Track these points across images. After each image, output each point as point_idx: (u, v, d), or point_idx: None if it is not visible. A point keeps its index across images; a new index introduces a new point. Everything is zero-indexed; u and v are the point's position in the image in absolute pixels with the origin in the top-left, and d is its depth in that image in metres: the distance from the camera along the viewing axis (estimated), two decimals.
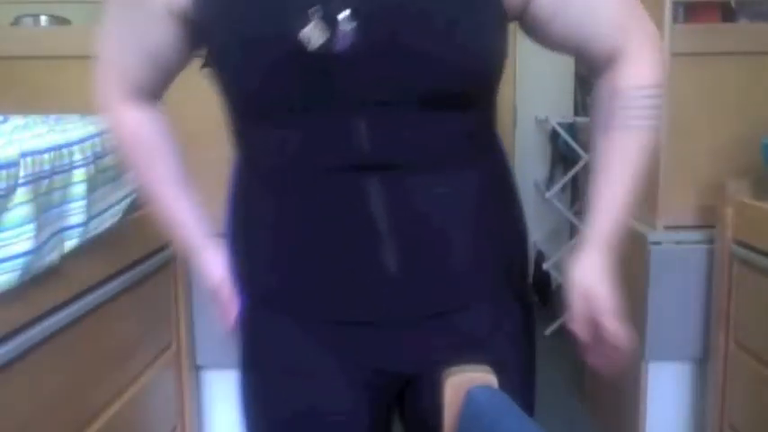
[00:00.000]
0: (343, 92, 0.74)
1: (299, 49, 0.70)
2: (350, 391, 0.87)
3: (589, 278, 0.84)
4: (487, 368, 0.68)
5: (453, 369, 0.68)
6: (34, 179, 0.96)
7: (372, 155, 0.76)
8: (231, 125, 0.90)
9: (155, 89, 0.94)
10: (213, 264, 0.96)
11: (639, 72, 0.83)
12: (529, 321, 0.94)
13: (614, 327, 0.81)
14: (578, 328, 0.84)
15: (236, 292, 0.93)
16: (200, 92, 1.78)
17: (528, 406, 0.91)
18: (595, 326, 0.83)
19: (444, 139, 0.80)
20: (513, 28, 0.81)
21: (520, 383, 0.89)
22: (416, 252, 0.81)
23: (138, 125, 0.94)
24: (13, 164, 0.91)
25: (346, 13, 0.69)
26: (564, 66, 3.83)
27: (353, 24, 0.70)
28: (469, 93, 0.78)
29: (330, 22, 0.69)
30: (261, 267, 0.89)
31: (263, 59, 0.75)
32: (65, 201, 1.07)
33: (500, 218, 0.89)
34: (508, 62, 0.80)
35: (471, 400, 0.65)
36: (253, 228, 0.90)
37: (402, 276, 0.81)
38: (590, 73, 0.89)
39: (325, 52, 0.70)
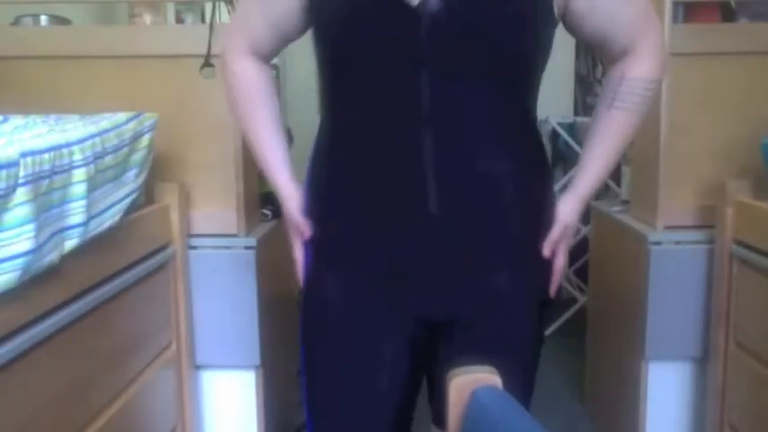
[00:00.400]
0: (419, 55, 0.94)
1: (401, 5, 0.93)
2: (395, 340, 1.04)
3: (569, 218, 1.07)
4: (492, 369, 0.68)
5: (458, 370, 0.68)
6: (34, 179, 0.96)
7: (430, 115, 0.95)
8: (323, 89, 1.06)
9: (269, 52, 1.13)
10: (292, 203, 1.10)
11: (645, 67, 1.04)
12: (546, 289, 1.09)
13: (563, 254, 1.08)
14: (547, 247, 1.05)
15: (306, 251, 1.10)
16: (201, 93, 1.80)
17: (530, 373, 1.10)
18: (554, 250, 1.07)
19: (489, 112, 0.98)
20: None
21: (529, 339, 1.08)
22: (457, 206, 0.99)
23: (251, 76, 1.12)
24: (13, 164, 0.91)
25: None
26: (564, 66, 3.84)
27: None
28: (514, 69, 0.98)
29: None
30: (326, 221, 1.06)
31: (370, 19, 0.96)
32: (65, 201, 1.06)
33: (534, 197, 1.06)
34: None
35: (476, 400, 0.65)
36: (320, 172, 1.07)
37: (444, 227, 0.98)
38: (606, 61, 1.09)
39: (421, 9, 0.92)
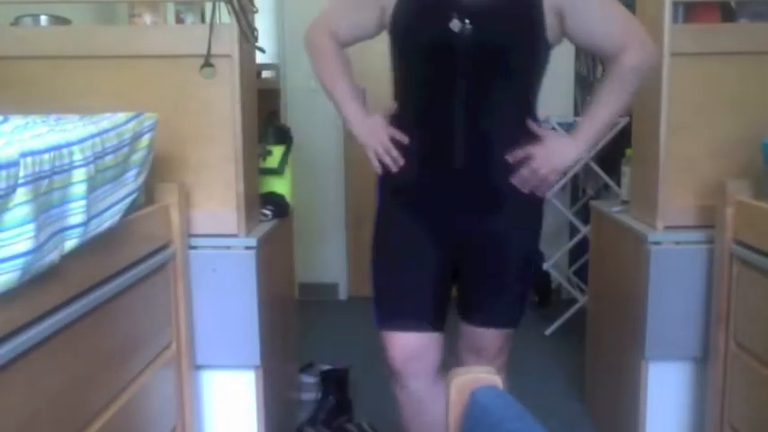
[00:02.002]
0: (457, 58, 1.44)
1: (447, 29, 1.43)
2: (433, 248, 1.56)
3: (552, 142, 1.53)
4: (492, 369, 0.68)
5: (458, 369, 0.68)
6: (34, 179, 0.96)
7: (463, 104, 1.46)
8: (397, 78, 1.56)
9: (345, 42, 1.61)
10: (361, 117, 1.58)
11: (636, 59, 1.48)
12: (539, 218, 1.61)
13: (546, 181, 1.53)
14: (519, 153, 1.50)
15: (379, 188, 1.63)
16: (201, 93, 1.80)
17: (526, 275, 1.63)
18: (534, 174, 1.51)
19: (504, 104, 1.49)
20: None
21: (525, 258, 1.61)
22: (477, 163, 1.49)
23: (332, 46, 1.59)
24: (13, 164, 0.91)
25: (467, 19, 1.42)
26: (564, 66, 3.84)
27: (469, 24, 1.42)
28: (515, 76, 1.49)
29: (462, 20, 1.42)
30: (396, 172, 1.56)
31: (428, 33, 1.47)
32: (65, 201, 1.06)
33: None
34: None
35: (476, 400, 0.65)
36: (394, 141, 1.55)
37: (466, 174, 1.49)
38: (603, 60, 1.56)
39: (459, 32, 1.43)
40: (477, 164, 1.48)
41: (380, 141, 1.53)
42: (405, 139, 1.52)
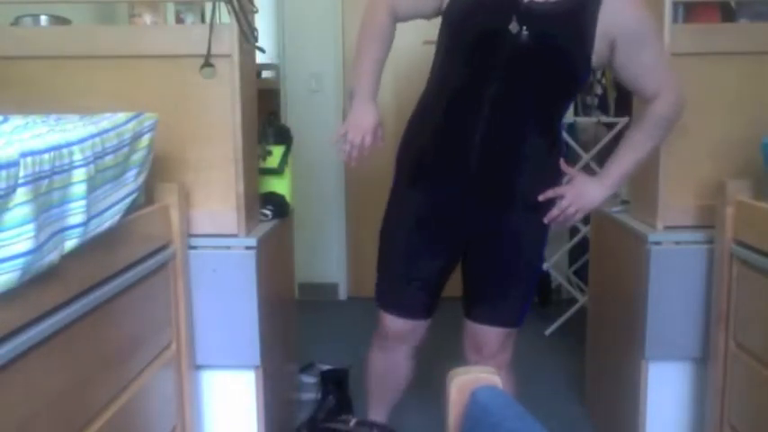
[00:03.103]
0: (502, 58, 1.48)
1: (505, 30, 1.46)
2: (442, 239, 1.64)
3: (580, 183, 1.61)
4: (492, 369, 0.68)
5: (459, 369, 0.68)
6: (34, 179, 0.96)
7: (491, 101, 1.49)
8: (435, 66, 1.60)
9: (400, 17, 1.63)
10: (367, 97, 1.58)
11: (668, 109, 1.54)
12: (544, 227, 1.63)
13: (572, 218, 1.61)
14: (550, 193, 1.58)
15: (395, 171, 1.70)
16: (201, 93, 1.80)
17: (532, 274, 1.69)
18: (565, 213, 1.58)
19: (529, 115, 1.53)
20: None
21: (531, 257, 1.67)
22: (489, 167, 1.54)
23: (386, 20, 1.61)
24: (13, 164, 0.90)
25: (525, 26, 1.45)
26: None
27: (526, 29, 1.45)
28: (553, 86, 1.53)
29: (521, 24, 1.45)
30: (408, 155, 1.66)
31: (483, 30, 1.50)
32: (65, 201, 1.06)
33: (548, 171, 1.60)
34: None
35: (476, 400, 0.65)
36: (414, 124, 1.65)
37: (477, 176, 1.54)
38: (641, 102, 1.62)
39: (515, 35, 1.45)
40: (488, 168, 1.54)
41: (362, 132, 1.55)
42: (380, 144, 1.57)
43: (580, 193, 1.58)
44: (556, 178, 1.62)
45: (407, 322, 1.71)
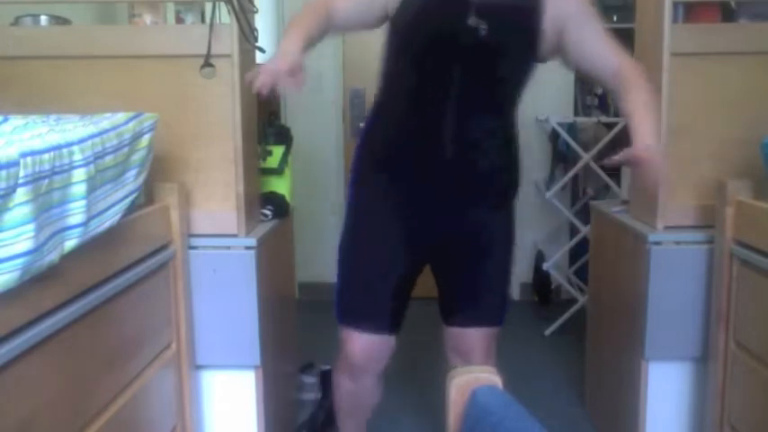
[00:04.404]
0: (460, 52, 1.50)
1: (464, 25, 1.47)
2: (405, 247, 1.60)
3: (649, 139, 1.40)
4: (492, 369, 0.68)
5: (459, 369, 0.68)
6: (34, 179, 0.96)
7: (455, 99, 1.51)
8: (386, 70, 1.60)
9: (338, 24, 1.56)
10: (293, 46, 1.39)
11: (629, 63, 1.54)
12: (512, 218, 1.67)
13: (656, 157, 1.36)
14: (641, 151, 1.36)
15: (356, 159, 1.66)
16: (201, 93, 1.80)
17: (506, 270, 1.67)
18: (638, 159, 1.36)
19: (488, 108, 1.56)
20: None
21: (504, 252, 1.65)
22: (463, 155, 1.54)
23: (323, 12, 1.51)
24: (13, 164, 0.91)
25: (481, 17, 1.47)
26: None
27: (485, 23, 1.47)
28: (515, 84, 1.59)
29: (480, 18, 1.46)
30: (374, 157, 1.62)
31: (441, 26, 1.51)
32: (65, 201, 1.06)
33: (510, 161, 1.63)
34: None
35: (476, 400, 0.65)
36: (375, 128, 1.63)
37: (448, 172, 1.55)
38: (603, 87, 1.81)
39: (473, 29, 1.47)
40: (463, 156, 1.54)
41: (282, 65, 1.32)
42: (299, 86, 1.33)
43: (649, 147, 1.38)
44: (515, 168, 1.64)
45: (373, 340, 1.60)
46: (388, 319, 1.61)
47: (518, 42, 1.54)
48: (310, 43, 1.44)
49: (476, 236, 1.61)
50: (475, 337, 1.63)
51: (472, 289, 1.62)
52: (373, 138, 1.63)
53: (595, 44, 1.55)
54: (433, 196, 1.57)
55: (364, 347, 1.61)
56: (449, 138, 1.52)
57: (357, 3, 1.57)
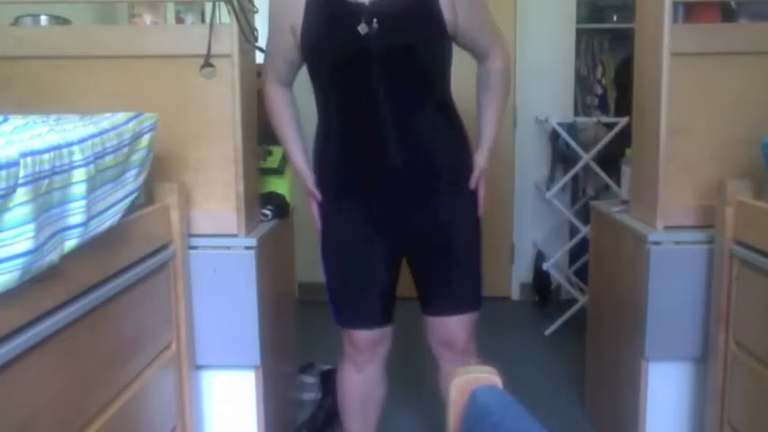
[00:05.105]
0: (370, 59, 1.53)
1: (356, 33, 1.51)
2: (377, 246, 1.67)
3: (482, 163, 1.70)
4: (492, 369, 0.68)
5: (458, 370, 0.68)
6: (34, 179, 0.96)
7: (384, 96, 1.56)
8: (316, 95, 1.67)
9: (288, 80, 1.74)
10: (307, 178, 1.72)
11: (501, 63, 1.71)
12: (475, 199, 1.72)
13: (482, 187, 1.72)
14: (473, 182, 1.69)
15: (318, 191, 1.71)
16: (201, 93, 1.80)
17: (476, 254, 1.73)
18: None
19: (422, 96, 1.61)
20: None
21: (471, 238, 1.71)
22: (410, 157, 1.59)
23: (282, 99, 1.74)
24: (13, 164, 0.91)
25: (374, 20, 1.51)
26: (564, 66, 3.84)
27: (377, 25, 1.51)
28: (425, 71, 1.61)
29: (369, 23, 1.51)
30: (329, 173, 1.69)
31: (338, 41, 1.56)
32: (65, 201, 1.06)
33: (457, 141, 1.69)
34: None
35: (476, 400, 0.65)
36: (324, 151, 1.69)
37: (403, 171, 1.60)
38: (478, 61, 1.73)
39: (366, 34, 1.51)
40: (409, 158, 1.59)
41: (313, 190, 1.71)
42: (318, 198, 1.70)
43: (483, 171, 1.71)
44: (463, 147, 1.69)
45: (371, 334, 1.72)
46: (380, 315, 1.72)
47: (422, 30, 1.56)
48: (300, 141, 1.75)
49: (440, 228, 1.66)
50: (455, 326, 1.70)
51: (445, 278, 1.68)
52: (324, 159, 1.69)
53: (476, 27, 1.64)
54: (391, 202, 1.63)
55: (365, 339, 1.73)
56: (393, 142, 1.57)
57: (281, 53, 1.66)
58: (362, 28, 1.50)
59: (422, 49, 1.57)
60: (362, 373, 1.78)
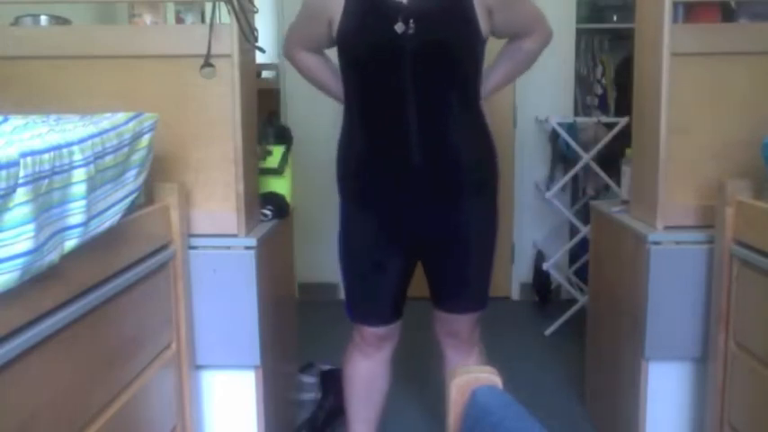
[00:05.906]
0: (404, 58, 1.55)
1: (392, 31, 1.54)
2: (394, 247, 1.70)
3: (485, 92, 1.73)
4: (492, 369, 0.68)
5: (459, 369, 0.68)
6: (34, 179, 0.96)
7: (413, 96, 1.57)
8: (346, 88, 1.69)
9: (318, 50, 1.80)
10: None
11: (537, 45, 1.75)
12: (495, 210, 1.74)
13: None
14: None
15: (340, 188, 1.75)
16: (201, 93, 1.80)
17: (490, 259, 1.76)
18: None
19: (451, 98, 1.61)
20: None
21: (487, 243, 1.74)
22: (436, 158, 1.61)
23: (310, 57, 1.82)
24: (13, 164, 0.91)
25: (411, 20, 1.53)
26: (564, 66, 3.83)
27: (413, 24, 1.53)
28: (459, 69, 1.61)
29: (406, 22, 1.54)
30: (353, 171, 1.71)
31: (374, 37, 1.58)
32: (65, 201, 1.06)
33: (483, 145, 1.70)
34: None
35: (476, 400, 0.65)
36: (349, 148, 1.71)
37: (428, 171, 1.61)
38: (508, 41, 1.76)
39: (402, 33, 1.54)
40: (432, 159, 1.60)
41: None
42: None
43: None
44: (488, 150, 1.71)
45: (382, 329, 1.79)
46: (392, 313, 1.78)
47: (456, 32, 1.58)
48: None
49: (460, 230, 1.68)
50: (462, 322, 1.79)
51: (459, 280, 1.75)
52: (347, 156, 1.71)
53: (518, 23, 1.69)
54: (411, 203, 1.65)
55: (375, 334, 1.80)
56: (419, 143, 1.58)
57: (309, 33, 1.73)
58: (399, 27, 1.53)
59: (456, 50, 1.59)
60: (370, 360, 1.84)
